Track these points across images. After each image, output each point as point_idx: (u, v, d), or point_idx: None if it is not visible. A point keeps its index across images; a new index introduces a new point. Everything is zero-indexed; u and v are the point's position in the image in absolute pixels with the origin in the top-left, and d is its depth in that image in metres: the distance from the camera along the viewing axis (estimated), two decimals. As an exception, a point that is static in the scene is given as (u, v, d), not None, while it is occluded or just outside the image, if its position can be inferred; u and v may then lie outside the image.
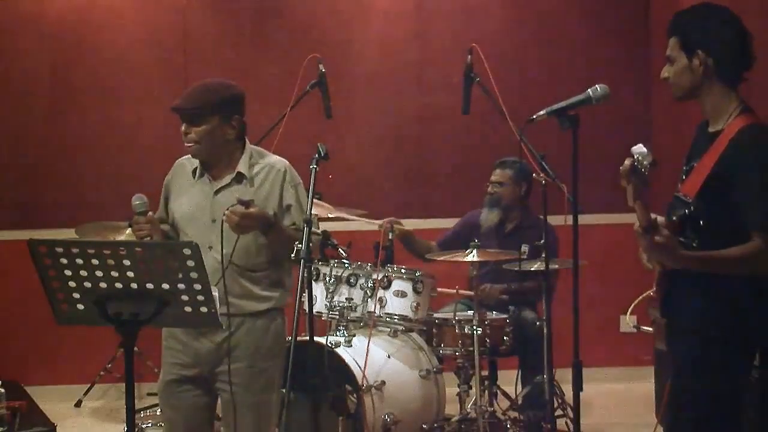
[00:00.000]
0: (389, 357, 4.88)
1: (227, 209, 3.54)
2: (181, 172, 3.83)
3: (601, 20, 6.69)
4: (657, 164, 2.88)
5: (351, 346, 4.77)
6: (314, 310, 4.46)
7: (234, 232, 3.56)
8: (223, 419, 3.75)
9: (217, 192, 3.71)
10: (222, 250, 3.57)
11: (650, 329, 3.35)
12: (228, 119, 3.69)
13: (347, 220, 5.43)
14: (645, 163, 2.85)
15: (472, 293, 5.08)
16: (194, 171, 3.77)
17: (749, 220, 2.91)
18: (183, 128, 3.65)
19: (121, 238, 5.18)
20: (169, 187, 3.86)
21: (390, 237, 5.22)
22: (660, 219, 3.03)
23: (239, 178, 3.71)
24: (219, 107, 3.67)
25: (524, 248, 5.25)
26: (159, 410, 5.64)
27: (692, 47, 3.04)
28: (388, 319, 4.95)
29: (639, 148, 2.88)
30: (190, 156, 3.81)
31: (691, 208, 3.01)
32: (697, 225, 3.01)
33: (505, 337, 5.06)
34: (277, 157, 3.85)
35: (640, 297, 3.25)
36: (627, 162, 2.87)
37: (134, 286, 2.96)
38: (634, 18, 6.63)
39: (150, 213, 3.60)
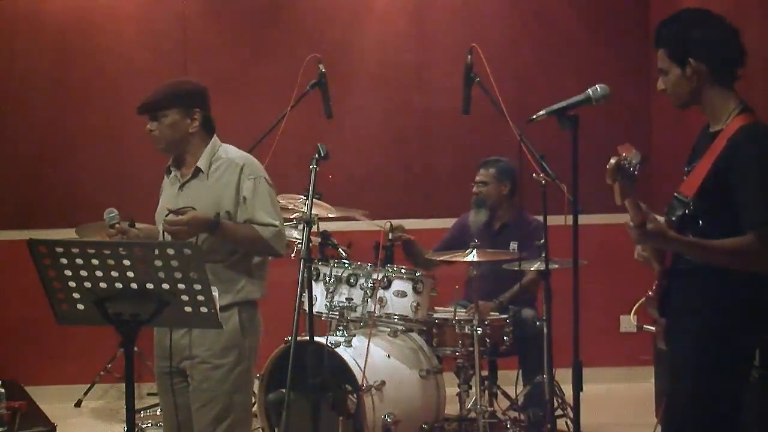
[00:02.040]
0: (389, 357, 4.88)
1: (163, 219, 3.61)
2: (165, 175, 3.92)
3: (601, 20, 6.69)
4: (647, 162, 2.88)
5: (351, 346, 4.77)
6: (314, 310, 4.47)
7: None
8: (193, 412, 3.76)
9: (181, 187, 3.78)
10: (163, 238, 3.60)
11: (652, 328, 3.34)
12: (188, 111, 3.74)
13: (351, 219, 5.43)
14: (634, 162, 2.86)
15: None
16: (167, 169, 3.87)
17: (745, 218, 2.92)
18: (147, 126, 3.74)
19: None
20: (162, 190, 3.95)
21: (390, 237, 5.22)
22: (660, 219, 3.04)
23: (196, 172, 3.76)
24: (178, 100, 3.73)
25: (513, 246, 5.27)
26: (159, 409, 5.66)
27: (682, 57, 3.04)
28: (388, 319, 4.95)
29: (626, 148, 2.89)
30: None
31: (690, 207, 3.01)
32: (696, 224, 3.01)
33: (505, 337, 5.06)
34: (242, 152, 3.87)
35: (644, 298, 3.26)
36: (612, 160, 2.87)
37: (134, 286, 2.97)
38: (634, 18, 6.63)
39: (119, 224, 3.68)
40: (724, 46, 3.05)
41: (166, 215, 3.62)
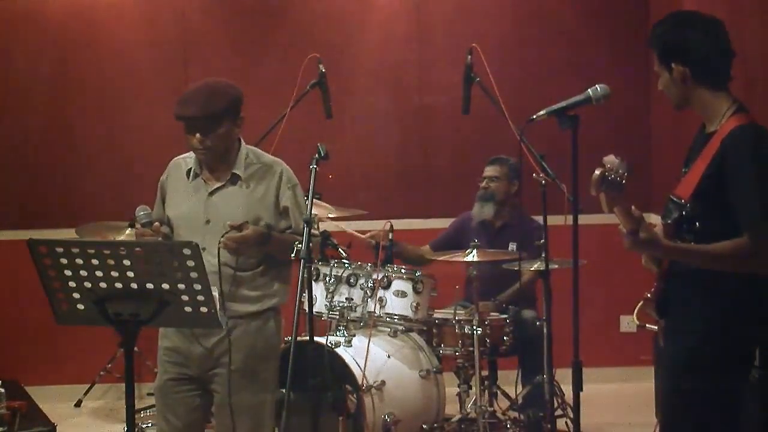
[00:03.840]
0: (389, 357, 4.88)
1: (221, 237, 3.52)
2: (176, 173, 3.79)
3: (601, 20, 6.69)
4: (633, 171, 2.89)
5: (351, 346, 4.77)
6: (314, 310, 4.46)
7: (233, 256, 3.56)
8: (217, 421, 3.73)
9: (211, 193, 3.69)
10: (219, 254, 3.55)
11: (654, 327, 3.36)
12: (236, 120, 3.67)
13: (342, 226, 5.43)
14: (621, 171, 2.87)
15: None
16: (188, 172, 3.73)
17: (740, 219, 2.92)
18: (198, 137, 3.57)
19: (121, 238, 5.18)
20: (164, 187, 3.83)
21: (390, 237, 5.22)
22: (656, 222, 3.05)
23: (234, 179, 3.68)
24: (231, 110, 3.64)
25: (512, 246, 5.26)
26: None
27: (667, 60, 3.06)
28: (388, 319, 4.95)
29: (611, 158, 2.90)
30: (185, 156, 3.79)
31: (687, 209, 3.02)
32: (693, 226, 3.02)
33: (505, 337, 5.07)
34: (274, 157, 3.81)
35: (642, 300, 3.27)
36: (597, 172, 2.88)
37: (134, 286, 2.97)
38: (634, 18, 6.63)
39: (156, 223, 3.60)
40: (705, 48, 3.04)
41: (227, 232, 3.51)
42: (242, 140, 3.76)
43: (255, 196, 3.67)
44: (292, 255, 3.66)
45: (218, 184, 3.69)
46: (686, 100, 3.09)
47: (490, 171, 5.56)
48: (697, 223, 3.00)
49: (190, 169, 3.74)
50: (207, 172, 3.72)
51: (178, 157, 3.84)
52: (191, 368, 3.71)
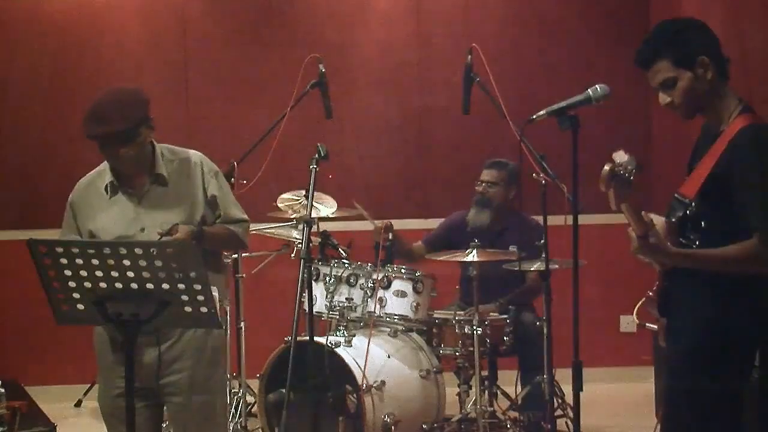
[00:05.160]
0: (389, 357, 4.88)
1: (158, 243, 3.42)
2: (89, 192, 3.68)
3: (601, 20, 6.69)
4: (642, 168, 2.89)
5: (351, 346, 4.77)
6: (314, 310, 4.47)
7: None
8: (173, 429, 3.67)
9: (140, 201, 3.60)
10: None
11: (654, 326, 3.36)
12: (150, 124, 3.58)
13: (347, 219, 5.43)
14: (629, 168, 2.86)
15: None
16: (107, 188, 3.63)
17: (747, 220, 2.92)
18: (122, 150, 3.48)
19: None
20: (75, 207, 3.72)
21: (390, 237, 5.21)
22: (659, 219, 3.04)
23: (158, 180, 3.59)
24: (145, 117, 3.55)
25: (512, 249, 5.25)
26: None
27: (691, 58, 3.03)
28: (388, 319, 4.95)
29: (620, 155, 2.89)
30: (93, 174, 3.69)
31: (691, 208, 3.01)
32: (698, 225, 3.01)
33: (505, 337, 5.07)
34: (188, 150, 3.73)
35: (644, 299, 3.27)
36: (606, 167, 2.87)
37: (134, 286, 2.97)
38: (634, 18, 6.63)
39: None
40: (718, 44, 3.06)
41: (159, 238, 3.40)
42: (153, 141, 3.64)
43: (183, 193, 3.60)
44: (292, 255, 3.65)
45: (144, 189, 3.60)
46: (705, 102, 3.06)
47: (487, 175, 5.50)
48: (702, 222, 3.00)
49: (107, 184, 3.63)
50: (128, 181, 3.62)
51: (87, 176, 3.73)
52: (138, 379, 3.48)
